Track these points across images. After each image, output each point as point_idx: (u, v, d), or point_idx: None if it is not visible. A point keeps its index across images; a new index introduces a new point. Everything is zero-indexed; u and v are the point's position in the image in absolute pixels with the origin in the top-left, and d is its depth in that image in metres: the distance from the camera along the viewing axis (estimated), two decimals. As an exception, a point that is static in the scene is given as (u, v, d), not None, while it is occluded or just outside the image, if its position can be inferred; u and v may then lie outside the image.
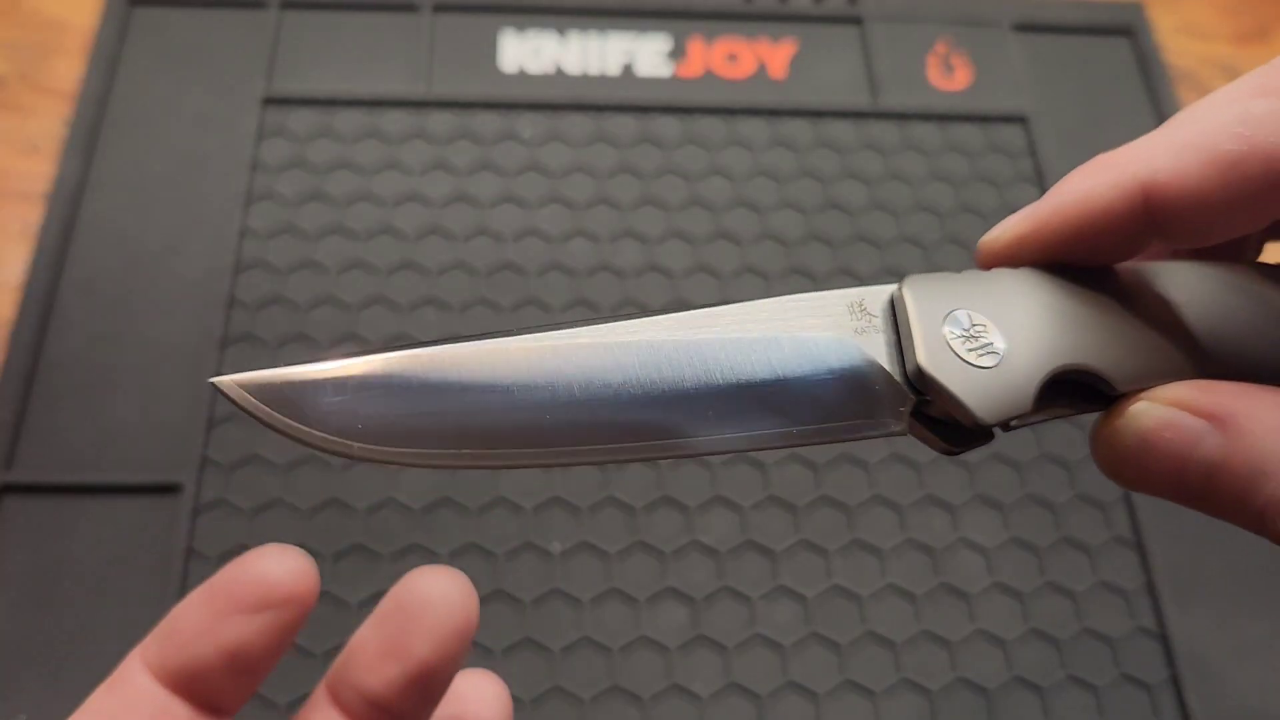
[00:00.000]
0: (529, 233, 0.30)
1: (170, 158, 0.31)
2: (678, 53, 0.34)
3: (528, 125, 0.32)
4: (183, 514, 0.25)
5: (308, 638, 0.24)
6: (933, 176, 0.32)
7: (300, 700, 0.23)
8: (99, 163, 0.31)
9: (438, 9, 0.34)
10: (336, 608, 0.24)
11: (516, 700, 0.23)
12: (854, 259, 0.31)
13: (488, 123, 0.32)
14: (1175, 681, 0.24)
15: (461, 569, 0.25)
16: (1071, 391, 0.13)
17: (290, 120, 0.32)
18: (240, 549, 0.25)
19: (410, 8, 0.34)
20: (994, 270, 0.14)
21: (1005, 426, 0.13)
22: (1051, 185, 0.34)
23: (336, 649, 0.24)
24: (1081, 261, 0.14)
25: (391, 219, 0.30)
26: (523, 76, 0.33)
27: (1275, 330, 0.13)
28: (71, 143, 0.31)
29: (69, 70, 0.33)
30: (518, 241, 0.30)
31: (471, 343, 0.13)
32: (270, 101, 0.32)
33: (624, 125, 0.33)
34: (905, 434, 0.13)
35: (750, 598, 0.25)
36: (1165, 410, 0.13)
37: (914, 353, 0.13)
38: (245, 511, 0.25)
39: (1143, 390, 0.13)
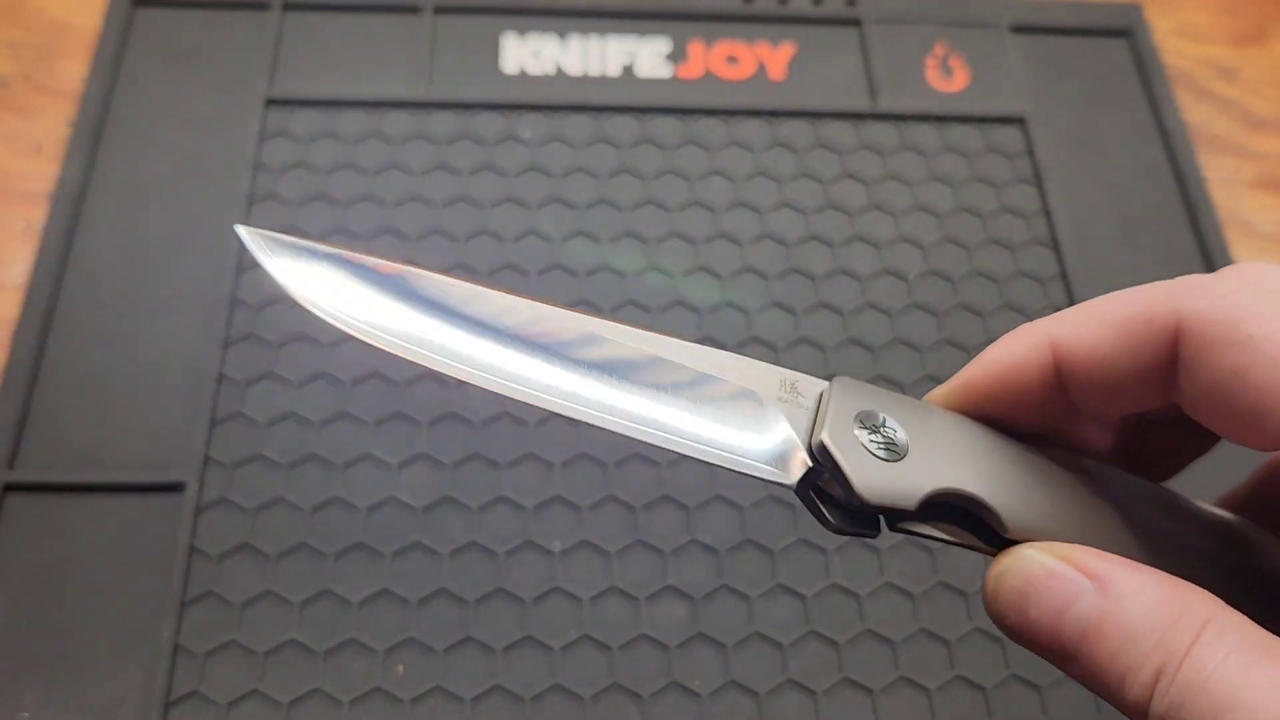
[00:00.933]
0: (530, 233, 0.31)
1: (173, 158, 0.31)
2: (678, 55, 0.35)
3: (529, 126, 0.33)
4: (185, 513, 0.25)
5: (309, 636, 0.24)
6: (931, 177, 0.33)
7: (303, 700, 0.23)
8: (102, 163, 0.31)
9: (439, 11, 0.35)
10: (338, 606, 0.24)
11: (517, 698, 0.23)
12: (853, 259, 0.31)
13: (489, 124, 0.33)
14: (1172, 679, 0.25)
15: (462, 567, 0.25)
16: (963, 522, 0.14)
17: (292, 121, 0.32)
18: (243, 547, 0.25)
19: (412, 9, 0.35)
20: (936, 408, 0.15)
21: (892, 525, 0.14)
22: (1049, 186, 0.35)
23: (338, 647, 0.24)
24: (1008, 421, 0.15)
25: (393, 219, 0.30)
26: (524, 78, 0.34)
27: (1168, 547, 0.15)
28: (75, 143, 0.31)
29: (72, 71, 0.33)
30: (519, 241, 0.30)
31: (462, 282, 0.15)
32: (272, 103, 0.32)
33: (624, 126, 0.33)
34: (793, 488, 0.14)
35: (749, 596, 0.25)
36: (1052, 560, 0.14)
37: (821, 428, 0.14)
38: (247, 510, 0.25)
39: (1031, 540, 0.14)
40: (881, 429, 0.14)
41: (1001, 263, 0.31)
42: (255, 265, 0.30)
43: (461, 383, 0.16)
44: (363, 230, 0.30)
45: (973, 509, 0.14)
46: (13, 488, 0.25)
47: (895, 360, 0.29)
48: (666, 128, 0.33)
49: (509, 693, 0.23)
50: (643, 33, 0.35)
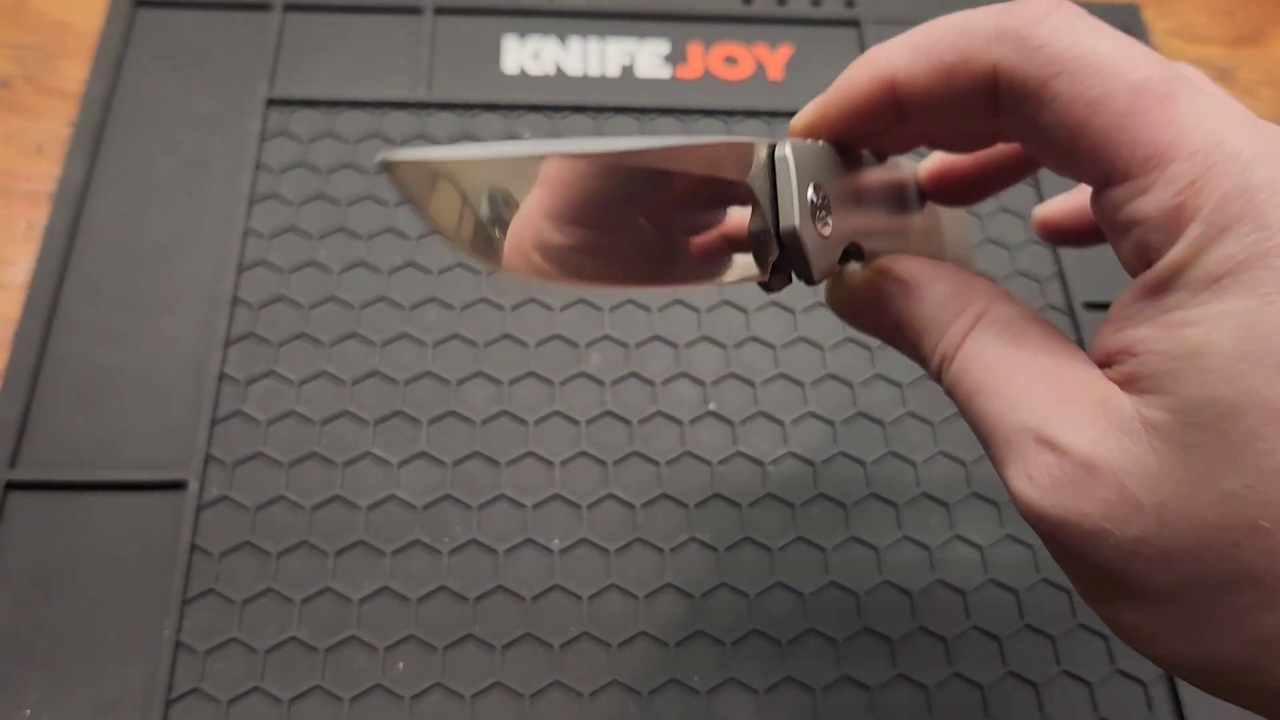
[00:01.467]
0: (529, 233, 0.31)
1: (174, 158, 0.31)
2: (677, 55, 0.35)
3: (529, 127, 0.33)
4: (186, 511, 0.25)
5: (310, 633, 0.24)
6: (929, 177, 0.33)
7: (303, 697, 0.23)
8: (103, 163, 0.31)
9: (439, 12, 0.35)
10: (339, 603, 0.24)
11: (517, 695, 0.24)
12: (851, 259, 0.31)
13: (489, 124, 0.33)
14: (1170, 677, 0.25)
15: (463, 565, 0.25)
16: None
17: (293, 121, 0.32)
18: (243, 545, 0.25)
19: (413, 11, 0.35)
20: (820, 143, 0.17)
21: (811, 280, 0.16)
22: (1046, 184, 0.36)
23: (338, 645, 0.24)
24: (862, 143, 0.17)
25: (394, 220, 0.31)
26: (524, 79, 0.34)
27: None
28: (76, 143, 0.31)
29: (74, 72, 0.33)
30: (518, 241, 0.31)
31: None
32: (274, 103, 0.32)
33: (624, 126, 0.33)
34: (766, 281, 0.16)
35: (748, 594, 0.25)
36: (870, 273, 0.17)
37: (791, 214, 0.15)
38: (248, 508, 0.26)
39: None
40: (822, 203, 0.16)
41: (999, 262, 0.31)
42: (256, 264, 0.30)
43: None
44: (364, 230, 0.30)
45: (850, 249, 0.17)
46: (14, 486, 0.26)
47: (893, 360, 0.29)
48: (666, 128, 0.33)
49: (509, 689, 0.24)
50: (642, 34, 0.35)
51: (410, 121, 0.32)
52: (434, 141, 0.32)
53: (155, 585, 0.24)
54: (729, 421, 0.28)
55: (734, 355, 0.29)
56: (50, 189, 0.31)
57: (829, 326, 0.30)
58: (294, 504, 0.26)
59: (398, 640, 0.24)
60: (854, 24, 0.36)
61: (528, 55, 0.34)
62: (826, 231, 0.16)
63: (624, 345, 0.29)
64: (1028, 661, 0.25)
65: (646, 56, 0.35)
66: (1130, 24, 0.37)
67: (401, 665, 0.24)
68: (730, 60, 0.35)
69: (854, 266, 0.17)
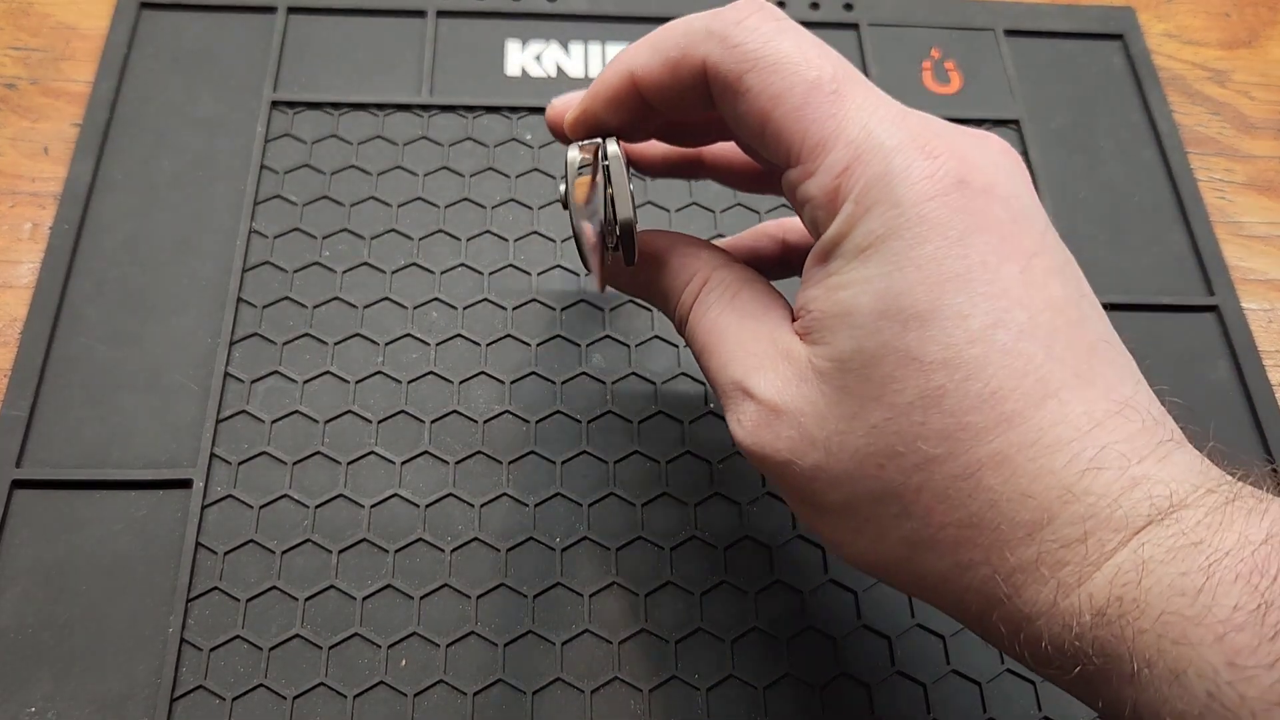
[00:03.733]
0: (532, 233, 0.31)
1: (179, 159, 0.31)
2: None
3: (530, 129, 0.33)
4: (192, 509, 0.25)
5: (313, 631, 0.24)
6: (928, 179, 0.33)
7: (307, 694, 0.23)
8: (109, 164, 0.31)
9: (442, 15, 0.35)
10: (342, 601, 0.25)
11: (519, 692, 0.24)
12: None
13: (491, 126, 0.33)
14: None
15: (466, 563, 0.26)
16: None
17: (297, 123, 0.32)
18: (248, 543, 0.25)
19: (416, 14, 0.35)
20: (608, 140, 0.20)
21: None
22: (1044, 187, 0.36)
23: (343, 642, 0.24)
24: (619, 134, 0.20)
25: (397, 220, 0.31)
26: (526, 81, 0.34)
27: None
28: (82, 145, 0.31)
29: (79, 74, 0.33)
30: (520, 241, 0.31)
31: None
32: (278, 105, 0.33)
33: (624, 129, 0.33)
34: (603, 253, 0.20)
35: (748, 591, 0.25)
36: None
37: (627, 208, 0.18)
38: (252, 507, 0.26)
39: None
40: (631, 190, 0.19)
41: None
42: (260, 264, 0.30)
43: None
44: (367, 230, 0.31)
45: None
46: (20, 485, 0.26)
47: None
48: (666, 130, 0.33)
49: (511, 686, 0.24)
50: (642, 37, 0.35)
51: (413, 123, 0.33)
52: (436, 143, 0.32)
53: (160, 583, 0.25)
54: (729, 420, 0.28)
55: (734, 355, 0.29)
56: (56, 190, 0.31)
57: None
58: (298, 502, 0.26)
59: (401, 637, 0.24)
60: (852, 26, 0.36)
61: (529, 58, 0.35)
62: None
63: (625, 345, 0.29)
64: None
65: (647, 59, 0.35)
66: (1126, 27, 0.37)
67: (404, 662, 0.24)
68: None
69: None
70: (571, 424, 0.28)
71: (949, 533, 0.15)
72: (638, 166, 0.24)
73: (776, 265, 0.24)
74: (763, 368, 0.18)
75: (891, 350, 0.16)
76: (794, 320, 0.18)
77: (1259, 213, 0.34)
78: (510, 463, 0.27)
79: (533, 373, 0.28)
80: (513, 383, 0.28)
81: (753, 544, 0.26)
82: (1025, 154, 0.34)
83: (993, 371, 0.15)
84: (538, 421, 0.28)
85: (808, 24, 0.36)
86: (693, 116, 0.21)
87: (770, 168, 0.19)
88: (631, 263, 0.19)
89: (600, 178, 0.18)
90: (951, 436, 0.15)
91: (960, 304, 0.15)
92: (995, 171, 0.17)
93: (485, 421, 0.28)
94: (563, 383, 0.28)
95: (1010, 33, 0.36)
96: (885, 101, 0.17)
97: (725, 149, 0.23)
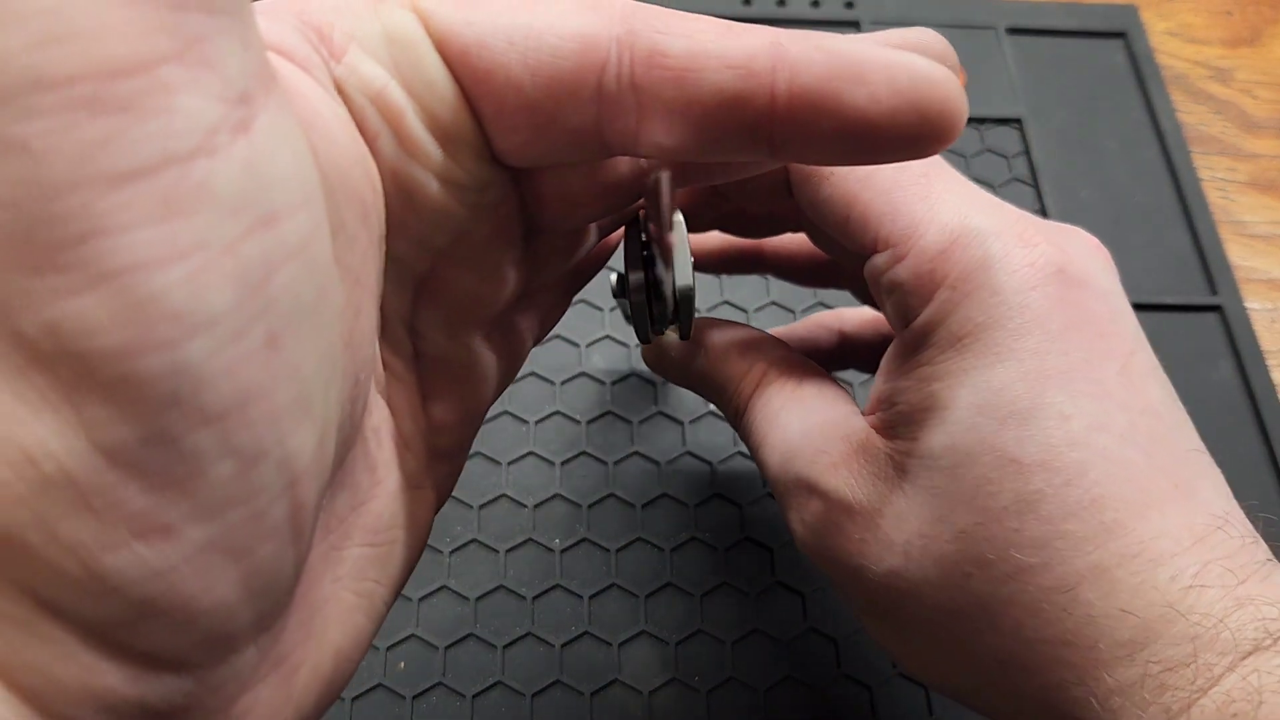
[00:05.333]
0: (530, 233, 0.31)
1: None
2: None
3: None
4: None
5: (312, 632, 0.24)
6: (929, 178, 0.33)
7: (305, 694, 0.23)
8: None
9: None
10: (341, 603, 0.25)
11: (518, 694, 0.24)
12: (851, 259, 0.31)
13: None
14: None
15: (464, 565, 0.25)
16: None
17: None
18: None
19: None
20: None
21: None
22: (1046, 186, 0.36)
23: (341, 643, 0.24)
24: (688, 215, 0.19)
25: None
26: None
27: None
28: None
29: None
30: (519, 242, 0.31)
31: None
32: (274, 104, 0.32)
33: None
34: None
35: (748, 593, 0.25)
36: (674, 335, 0.19)
37: (688, 275, 0.16)
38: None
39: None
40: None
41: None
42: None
43: None
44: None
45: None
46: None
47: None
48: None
49: (510, 689, 0.24)
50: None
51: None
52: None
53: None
54: (729, 421, 0.28)
55: (734, 355, 0.29)
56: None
57: (829, 326, 0.30)
58: (296, 504, 0.26)
59: (399, 640, 0.24)
60: (853, 24, 0.36)
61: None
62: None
63: (625, 345, 0.29)
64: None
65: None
66: (1128, 25, 0.37)
67: (403, 665, 0.24)
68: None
69: (669, 335, 0.19)
70: (571, 425, 0.28)
71: (1041, 650, 0.14)
72: (697, 260, 0.23)
73: (833, 358, 0.23)
74: (834, 463, 0.16)
75: (988, 449, 0.14)
76: (870, 414, 0.17)
77: (1262, 212, 0.34)
78: (509, 464, 0.27)
79: (532, 374, 0.28)
80: (513, 383, 0.28)
81: (753, 545, 0.26)
82: (1027, 153, 0.34)
83: (1095, 477, 0.14)
84: (536, 423, 0.27)
85: (809, 22, 0.36)
86: (765, 206, 0.19)
87: (841, 258, 0.18)
88: (686, 337, 0.17)
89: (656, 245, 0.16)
90: (1048, 545, 0.14)
91: (1062, 403, 0.14)
92: (1090, 263, 0.16)
93: (485, 422, 0.27)
94: (562, 383, 0.28)
95: (1012, 31, 0.36)
96: (974, 187, 0.16)
97: (787, 240, 0.22)
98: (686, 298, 0.16)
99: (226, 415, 0.08)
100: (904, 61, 0.12)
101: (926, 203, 0.16)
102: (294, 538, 0.10)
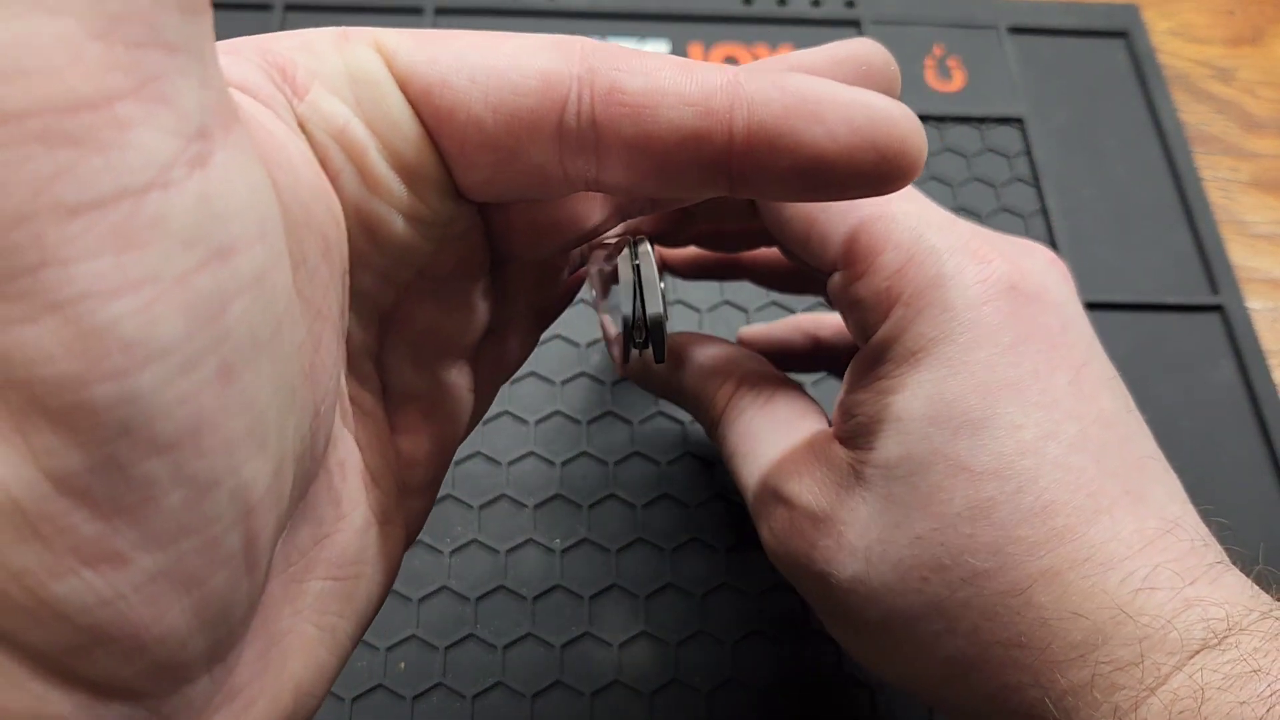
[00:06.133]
0: (531, 233, 0.31)
1: (175, 159, 0.31)
2: (678, 55, 0.35)
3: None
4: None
5: (312, 633, 0.24)
6: (930, 177, 0.33)
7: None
8: (105, 164, 0.31)
9: (440, 12, 0.35)
10: (341, 603, 0.25)
11: (519, 695, 0.24)
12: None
13: (490, 124, 0.33)
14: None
15: (464, 565, 0.25)
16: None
17: (294, 122, 0.32)
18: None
19: (414, 10, 0.35)
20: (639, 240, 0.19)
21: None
22: (1047, 186, 0.36)
23: (341, 644, 0.24)
24: (662, 237, 0.21)
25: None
26: (524, 79, 0.34)
27: None
28: (78, 144, 0.31)
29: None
30: (520, 242, 0.31)
31: None
32: (274, 103, 0.32)
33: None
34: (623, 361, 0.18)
35: (750, 594, 0.25)
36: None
37: (657, 304, 0.16)
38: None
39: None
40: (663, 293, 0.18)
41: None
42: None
43: None
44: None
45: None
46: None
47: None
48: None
49: (511, 689, 0.24)
50: (643, 34, 0.35)
51: (411, 122, 0.32)
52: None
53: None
54: (730, 421, 0.28)
55: (735, 355, 0.29)
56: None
57: (830, 326, 0.30)
58: (296, 504, 0.26)
59: (399, 640, 0.24)
60: (854, 24, 0.36)
61: (529, 55, 0.34)
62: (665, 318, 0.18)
63: (625, 345, 0.29)
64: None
65: (647, 57, 0.35)
66: (1130, 25, 0.37)
67: (403, 665, 0.24)
68: (730, 60, 0.35)
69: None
70: (572, 425, 0.28)
71: (996, 652, 0.15)
72: (673, 269, 0.23)
73: (805, 360, 0.23)
74: (799, 473, 0.17)
75: (941, 457, 0.15)
76: (833, 425, 0.18)
77: (1263, 211, 0.34)
78: (509, 464, 0.27)
79: (533, 374, 0.28)
80: (512, 384, 0.28)
81: (754, 546, 0.26)
82: (1028, 152, 0.34)
83: (1045, 484, 0.15)
84: (537, 423, 0.27)
85: (809, 21, 0.36)
86: (735, 225, 0.20)
87: (810, 271, 0.19)
88: (661, 360, 0.18)
89: (629, 274, 0.17)
90: (1001, 550, 0.15)
91: (1013, 413, 0.15)
92: (1044, 278, 0.16)
93: (485, 422, 0.27)
94: (562, 383, 0.28)
95: (1014, 30, 0.36)
96: (931, 206, 0.17)
97: (762, 250, 0.22)
98: (657, 325, 0.16)
99: (178, 444, 0.08)
100: (862, 100, 0.12)
101: (883, 222, 0.16)
102: (249, 568, 0.10)
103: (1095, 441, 0.15)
